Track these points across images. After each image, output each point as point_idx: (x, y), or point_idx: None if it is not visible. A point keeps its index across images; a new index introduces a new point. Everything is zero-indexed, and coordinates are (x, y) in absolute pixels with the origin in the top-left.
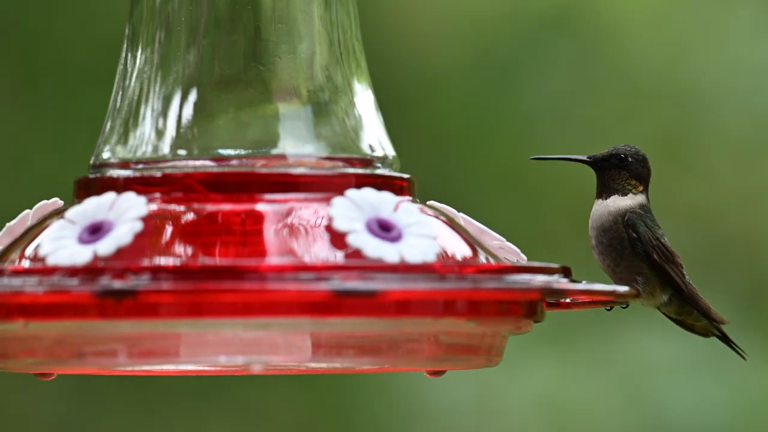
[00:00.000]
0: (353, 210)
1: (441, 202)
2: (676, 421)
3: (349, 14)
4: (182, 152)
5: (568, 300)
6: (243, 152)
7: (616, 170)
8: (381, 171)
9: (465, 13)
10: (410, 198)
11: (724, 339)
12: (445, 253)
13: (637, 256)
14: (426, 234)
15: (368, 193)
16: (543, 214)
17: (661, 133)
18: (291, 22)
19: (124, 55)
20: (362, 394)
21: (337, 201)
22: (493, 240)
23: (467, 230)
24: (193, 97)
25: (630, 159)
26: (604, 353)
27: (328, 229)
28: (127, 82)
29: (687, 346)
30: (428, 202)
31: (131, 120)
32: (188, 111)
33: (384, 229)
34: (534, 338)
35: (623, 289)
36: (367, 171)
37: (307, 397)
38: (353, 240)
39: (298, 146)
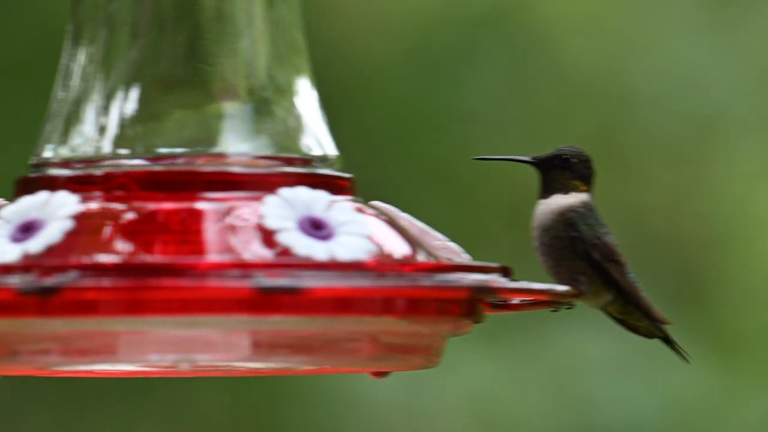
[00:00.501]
0: (285, 208)
1: (385, 202)
2: (608, 421)
3: (293, 12)
4: (123, 151)
5: (516, 301)
6: (182, 151)
7: (560, 171)
8: (321, 170)
9: (400, 11)
10: (350, 197)
11: (667, 340)
12: (381, 251)
13: (578, 256)
14: (359, 232)
15: (302, 192)
16: (483, 214)
17: (594, 133)
18: (234, 21)
19: (66, 52)
20: (295, 395)
21: (270, 199)
22: (435, 240)
23: (408, 230)
24: (135, 95)
25: (574, 160)
26: (537, 353)
27: (260, 227)
28: (69, 81)
29: (619, 346)
30: (371, 202)
31: (73, 118)
32: (130, 110)
33: (316, 227)
34: (466, 337)
35: (561, 288)
36: (306, 170)
37: (240, 397)
38: (283, 238)
39: (237, 145)
